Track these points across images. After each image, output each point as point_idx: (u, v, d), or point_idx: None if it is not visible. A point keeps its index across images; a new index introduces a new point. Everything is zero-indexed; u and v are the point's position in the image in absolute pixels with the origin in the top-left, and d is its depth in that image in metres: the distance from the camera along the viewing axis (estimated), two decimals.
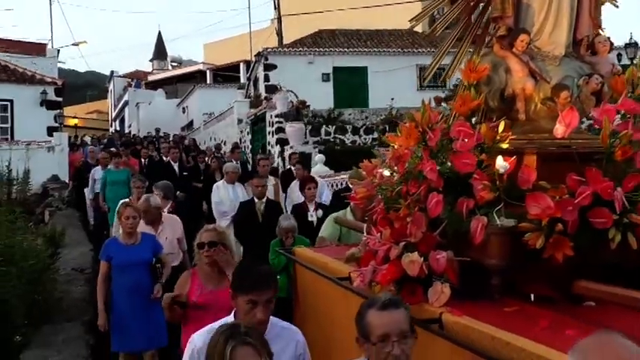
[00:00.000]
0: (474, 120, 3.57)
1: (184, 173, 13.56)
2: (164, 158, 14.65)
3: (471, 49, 4.03)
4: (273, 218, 7.93)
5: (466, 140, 3.12)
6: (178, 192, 11.67)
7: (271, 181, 10.47)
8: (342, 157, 17.00)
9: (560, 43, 3.68)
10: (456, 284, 2.99)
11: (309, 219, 8.25)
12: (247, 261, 4.72)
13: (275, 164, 15.74)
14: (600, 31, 3.82)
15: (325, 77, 25.74)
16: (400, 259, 3.02)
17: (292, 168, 12.86)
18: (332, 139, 20.63)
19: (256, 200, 8.51)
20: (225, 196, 10.02)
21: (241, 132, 25.40)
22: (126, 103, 43.45)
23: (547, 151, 3.26)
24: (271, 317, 3.16)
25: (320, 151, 17.90)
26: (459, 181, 3.17)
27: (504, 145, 3.15)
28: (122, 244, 6.08)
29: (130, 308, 5.88)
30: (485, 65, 3.51)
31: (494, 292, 3.01)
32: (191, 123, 34.71)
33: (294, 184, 10.41)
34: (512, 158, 3.01)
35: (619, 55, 23.18)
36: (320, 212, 8.24)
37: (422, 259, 2.96)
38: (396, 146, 3.69)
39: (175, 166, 13.55)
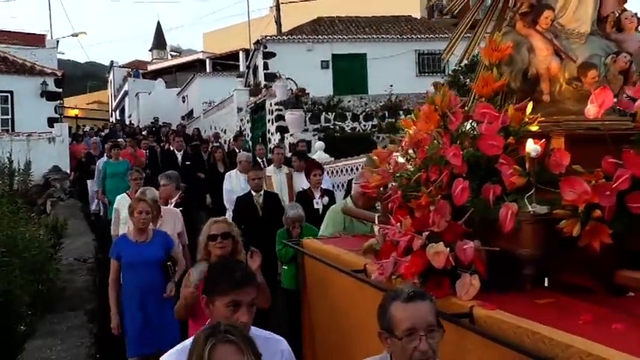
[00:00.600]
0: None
1: (187, 163, 13.06)
2: (169, 147, 14.24)
3: (489, 30, 3.80)
4: (272, 211, 7.74)
5: (491, 123, 2.89)
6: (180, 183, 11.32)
7: (284, 170, 10.11)
8: (342, 144, 16.88)
9: (585, 19, 3.44)
10: (484, 275, 2.76)
11: (315, 206, 7.94)
12: (222, 260, 4.35)
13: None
14: (626, 8, 3.59)
15: (324, 64, 25.43)
16: (424, 249, 2.79)
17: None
18: (332, 127, 20.46)
19: (253, 193, 8.10)
20: (237, 186, 9.64)
21: (241, 120, 25.15)
22: (126, 93, 43.15)
23: (575, 133, 3.01)
24: (252, 327, 2.78)
25: (320, 139, 17.70)
26: (483, 167, 2.94)
27: (533, 128, 2.92)
28: (132, 241, 5.68)
29: (142, 309, 5.57)
30: (508, 43, 3.25)
31: (526, 282, 2.79)
32: (191, 112, 34.44)
33: (297, 175, 9.85)
34: (542, 141, 2.78)
35: None
36: (326, 199, 7.98)
37: (448, 249, 2.73)
38: (411, 131, 3.42)
39: (179, 155, 13.11)
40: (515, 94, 3.43)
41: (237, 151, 14.01)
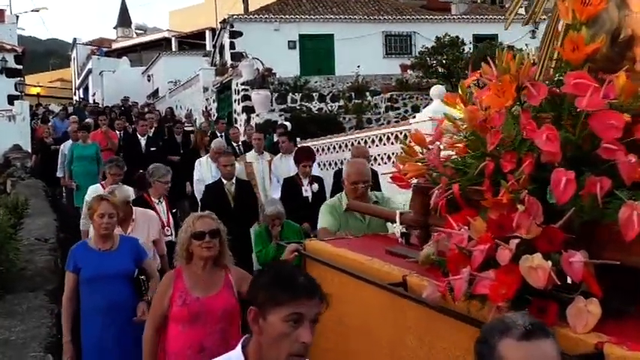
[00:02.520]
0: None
1: (152, 148, 11.79)
2: (134, 130, 12.95)
3: None
4: (245, 201, 7.17)
5: (592, 96, 2.15)
6: (140, 170, 9.85)
7: (266, 156, 9.34)
8: (309, 125, 16.83)
9: None
10: (600, 298, 2.03)
11: (304, 194, 7.32)
12: (276, 263, 3.74)
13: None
14: None
15: (291, 44, 25.01)
16: (516, 263, 2.06)
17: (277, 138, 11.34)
18: (298, 107, 20.29)
19: (225, 181, 7.36)
20: (208, 174, 8.82)
21: (207, 100, 24.78)
22: (89, 72, 41.67)
23: None
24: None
25: (286, 119, 17.55)
26: (586, 154, 2.21)
27: None
28: (94, 250, 4.57)
29: (106, 334, 4.42)
30: None
31: None
32: (156, 91, 33.57)
33: (279, 159, 9.10)
34: None
35: None
36: (315, 186, 7.36)
37: (550, 263, 2.00)
38: (463, 110, 2.69)
39: (142, 140, 11.90)
40: (597, 63, 2.55)
41: (219, 135, 13.06)
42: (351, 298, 3.04)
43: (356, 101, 20.33)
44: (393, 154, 10.44)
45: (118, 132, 13.61)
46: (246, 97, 19.72)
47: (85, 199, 6.88)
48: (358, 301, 3.01)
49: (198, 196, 8.71)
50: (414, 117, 10.52)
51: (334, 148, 12.49)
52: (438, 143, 2.80)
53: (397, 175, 2.92)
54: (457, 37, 18.10)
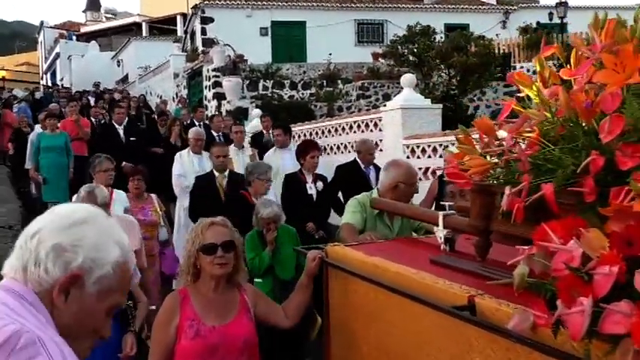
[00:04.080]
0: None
1: (132, 138, 10.70)
2: (110, 119, 11.87)
3: None
4: (238, 196, 6.49)
5: None
6: (124, 163, 9.52)
7: (248, 151, 8.79)
8: (280, 112, 16.75)
9: None
10: None
11: (309, 192, 6.75)
12: None
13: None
14: None
15: (263, 31, 24.81)
16: None
17: (265, 132, 11.01)
18: (269, 94, 20.16)
19: (216, 174, 6.80)
20: (190, 169, 8.03)
21: (178, 86, 24.54)
22: (57, 56, 40.92)
23: None
24: None
25: (257, 106, 17.46)
26: None
27: None
28: None
29: None
30: None
31: None
32: (126, 77, 33.02)
33: (273, 153, 8.43)
34: None
35: (550, 14, 23.55)
36: (320, 184, 6.83)
37: None
38: (536, 92, 2.16)
39: (120, 130, 10.74)
40: None
41: (197, 124, 12.19)
42: (392, 318, 2.47)
43: (327, 89, 20.27)
44: None
45: (94, 120, 12.91)
46: (217, 84, 19.53)
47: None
48: (402, 323, 2.42)
49: (178, 192, 8.13)
50: (385, 105, 10.53)
51: (305, 135, 12.46)
52: (508, 133, 2.18)
53: (454, 170, 2.30)
54: (429, 26, 18.09)
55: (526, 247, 1.84)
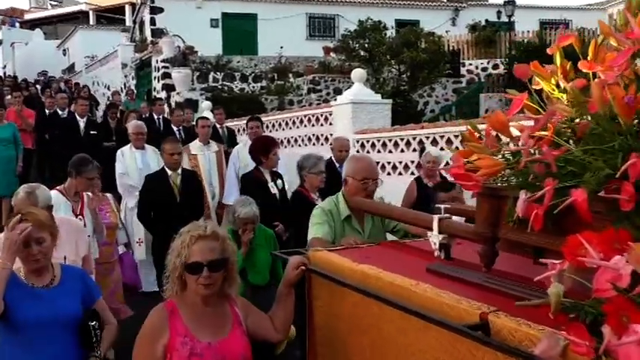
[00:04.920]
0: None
1: (92, 132, 10.19)
2: (59, 111, 11.34)
3: None
4: (192, 195, 6.42)
5: None
6: None
7: (213, 147, 8.29)
8: (230, 105, 16.62)
9: None
10: None
11: (272, 191, 6.42)
12: None
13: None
14: None
15: (214, 23, 24.48)
16: None
17: (218, 125, 10.39)
18: (220, 87, 19.98)
19: (169, 172, 6.37)
20: (133, 166, 7.53)
21: (126, 77, 24.10)
22: None
23: None
24: None
25: (207, 98, 17.26)
26: None
27: None
28: (26, 286, 3.15)
29: None
30: None
31: None
32: (72, 66, 32.28)
33: (242, 149, 7.85)
34: None
35: (498, 13, 23.98)
36: (280, 182, 6.52)
37: None
38: (550, 86, 1.96)
39: (81, 122, 10.10)
40: None
41: (156, 117, 11.67)
42: (387, 333, 2.20)
43: (278, 82, 20.19)
44: (313, 135, 10.45)
45: (48, 111, 12.30)
46: (167, 75, 19.23)
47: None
48: (400, 337, 2.13)
49: (122, 192, 7.61)
50: (336, 99, 10.54)
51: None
52: (528, 128, 1.90)
53: (461, 171, 2.01)
54: (379, 21, 18.16)
55: (557, 262, 1.57)
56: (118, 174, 7.64)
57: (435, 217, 2.51)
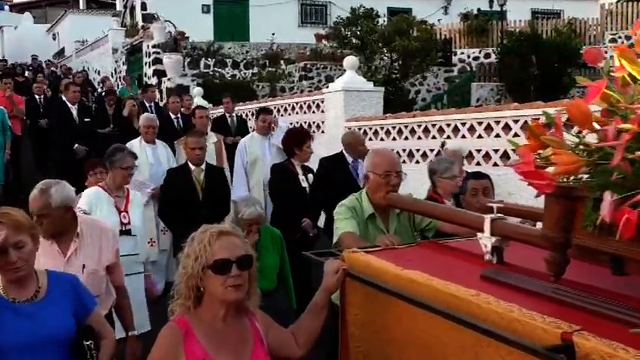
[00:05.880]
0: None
1: (85, 119, 9.76)
2: (59, 96, 10.66)
3: None
4: (217, 192, 5.93)
5: None
6: (76, 145, 9.01)
7: (212, 138, 7.69)
8: (221, 91, 16.50)
9: None
10: None
11: (302, 184, 6.13)
12: None
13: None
14: None
15: (205, 9, 24.27)
16: None
17: (227, 114, 9.90)
18: (211, 73, 19.87)
19: (192, 167, 5.98)
20: (144, 161, 6.91)
21: (116, 62, 23.92)
22: None
23: None
24: None
25: (198, 84, 17.17)
26: None
27: None
28: (5, 300, 2.66)
29: None
30: None
31: None
32: (62, 50, 32.01)
33: (249, 141, 7.45)
34: None
35: (490, 2, 23.93)
36: (310, 176, 6.26)
37: None
38: None
39: (73, 109, 9.71)
40: None
41: (148, 104, 11.08)
42: (437, 349, 1.96)
43: (270, 69, 20.08)
44: (305, 122, 10.41)
45: (37, 97, 12.13)
46: (158, 61, 19.09)
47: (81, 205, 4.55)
48: (453, 355, 1.88)
49: (132, 188, 6.96)
50: (328, 87, 10.50)
51: (246, 115, 12.32)
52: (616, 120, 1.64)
53: (530, 169, 1.77)
54: (372, 9, 18.06)
55: None
56: None
57: (487, 218, 2.26)
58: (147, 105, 11.09)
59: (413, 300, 2.02)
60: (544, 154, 1.76)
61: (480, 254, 2.29)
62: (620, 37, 21.53)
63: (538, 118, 6.54)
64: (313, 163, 6.63)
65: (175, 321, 2.33)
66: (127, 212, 4.83)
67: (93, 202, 4.70)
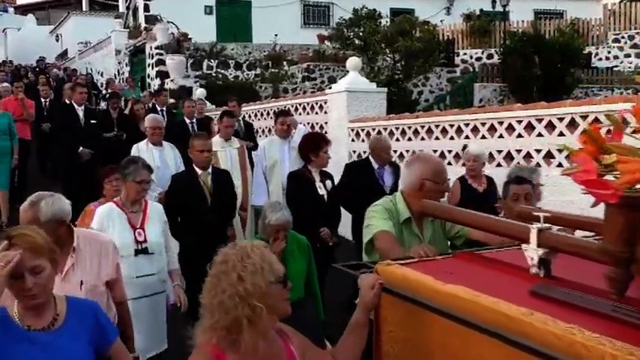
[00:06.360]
0: None
1: (92, 121, 9.40)
2: (64, 99, 10.37)
3: None
4: (224, 196, 5.72)
5: None
6: (81, 148, 8.83)
7: (235, 143, 7.50)
8: (224, 93, 16.53)
9: None
10: None
11: (319, 192, 5.91)
12: None
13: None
14: None
15: (208, 10, 24.32)
16: None
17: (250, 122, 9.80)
18: (214, 74, 19.91)
19: (199, 171, 5.70)
20: (150, 163, 6.10)
21: (119, 63, 23.98)
22: None
23: None
24: None
25: (201, 86, 17.22)
26: None
27: None
28: (19, 328, 2.42)
29: None
30: None
31: None
32: (65, 52, 32.15)
33: (268, 145, 7.22)
34: None
35: (493, 2, 23.93)
36: (329, 183, 6.02)
37: None
38: None
39: (80, 111, 9.35)
40: None
41: (159, 108, 10.89)
42: None
43: (273, 70, 20.10)
44: (308, 123, 10.42)
45: (43, 100, 11.98)
46: (161, 62, 19.12)
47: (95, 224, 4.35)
48: None
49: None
50: (331, 88, 10.51)
51: (249, 116, 12.34)
52: None
53: (592, 177, 1.64)
54: (374, 9, 18.08)
55: None
56: None
57: (534, 228, 2.09)
58: (158, 109, 10.84)
59: (457, 318, 1.86)
60: (608, 161, 1.62)
61: (524, 266, 2.12)
62: (623, 37, 21.52)
63: (541, 119, 6.56)
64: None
65: (207, 348, 2.08)
66: (142, 229, 4.44)
67: (104, 221, 4.37)
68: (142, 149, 6.99)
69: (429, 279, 2.07)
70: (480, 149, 6.23)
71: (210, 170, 5.78)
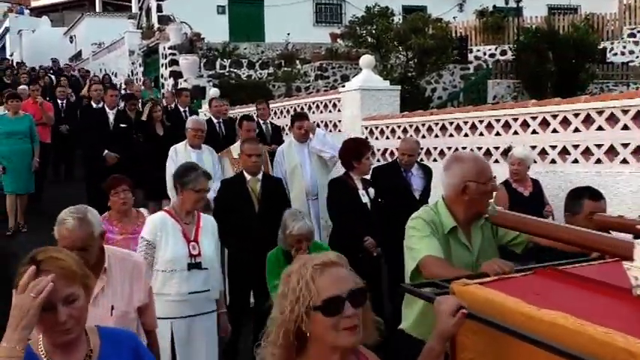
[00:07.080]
0: None
1: (122, 125, 9.25)
2: (93, 103, 9.75)
3: None
4: (275, 204, 5.28)
5: None
6: (106, 151, 8.75)
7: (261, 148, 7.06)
8: (237, 92, 16.60)
9: None
10: None
11: (363, 200, 5.71)
12: None
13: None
14: None
15: (220, 9, 24.36)
16: None
17: (261, 120, 9.06)
18: (227, 73, 19.97)
19: (248, 177, 5.54)
20: None
21: (133, 64, 24.13)
22: (6, 30, 39.65)
23: None
24: None
25: (214, 85, 17.29)
26: None
27: None
28: None
29: None
30: None
31: None
32: (79, 53, 32.34)
33: (287, 149, 7.05)
34: None
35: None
36: (372, 191, 5.80)
37: None
38: None
39: (111, 115, 9.21)
40: None
41: (182, 109, 10.57)
42: None
43: (285, 69, 20.13)
44: (322, 122, 10.43)
45: (60, 101, 11.98)
46: (174, 62, 19.22)
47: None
48: None
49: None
50: (344, 86, 10.51)
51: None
52: None
53: None
54: (387, 7, 18.04)
55: None
56: (169, 175, 6.63)
57: (638, 244, 1.84)
58: (181, 110, 10.60)
59: (558, 350, 1.58)
60: None
61: (622, 286, 1.87)
62: (639, 32, 21.32)
63: (556, 115, 6.53)
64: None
65: None
66: (196, 242, 4.17)
67: (158, 231, 4.10)
68: (179, 151, 6.79)
69: (519, 302, 1.81)
70: (525, 152, 5.97)
71: (260, 177, 5.60)
